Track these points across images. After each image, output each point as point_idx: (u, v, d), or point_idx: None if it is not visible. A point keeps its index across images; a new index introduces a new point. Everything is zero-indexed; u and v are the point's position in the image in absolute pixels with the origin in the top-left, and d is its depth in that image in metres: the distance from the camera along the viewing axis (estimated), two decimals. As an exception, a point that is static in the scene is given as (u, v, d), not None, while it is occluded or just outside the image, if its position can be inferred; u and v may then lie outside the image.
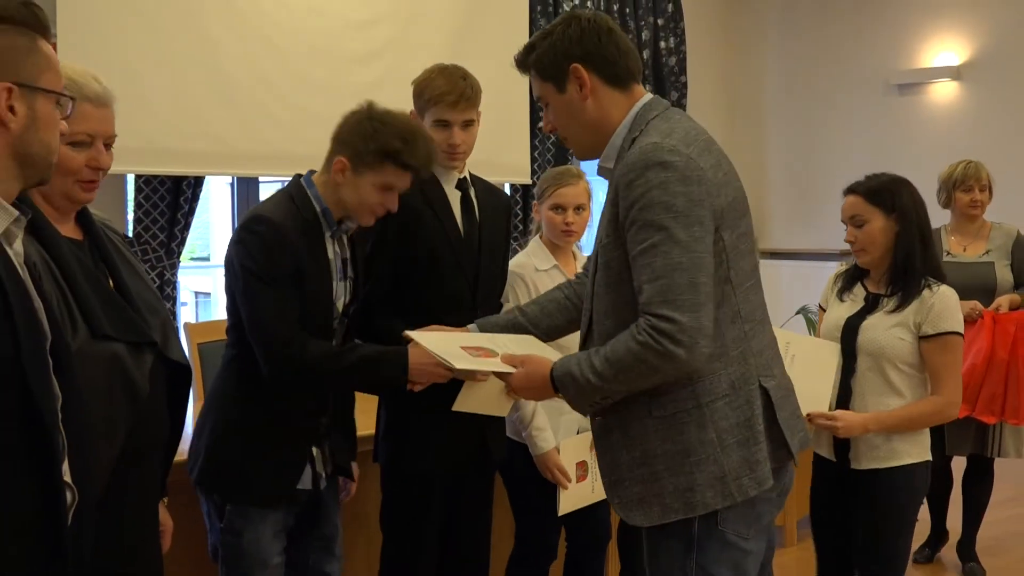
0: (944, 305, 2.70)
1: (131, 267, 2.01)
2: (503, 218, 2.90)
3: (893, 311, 2.75)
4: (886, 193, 2.78)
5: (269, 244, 2.34)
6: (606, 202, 2.00)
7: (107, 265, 1.94)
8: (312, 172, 2.48)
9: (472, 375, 2.36)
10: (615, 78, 2.02)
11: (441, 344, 2.25)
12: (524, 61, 2.09)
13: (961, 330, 2.74)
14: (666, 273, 1.81)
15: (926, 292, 2.72)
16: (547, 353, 2.22)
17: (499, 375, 2.17)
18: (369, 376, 2.44)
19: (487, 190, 2.85)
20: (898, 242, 2.74)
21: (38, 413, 1.46)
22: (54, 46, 1.61)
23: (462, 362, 2.17)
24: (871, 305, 2.82)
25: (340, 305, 2.49)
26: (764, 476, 1.92)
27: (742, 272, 1.95)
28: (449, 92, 2.63)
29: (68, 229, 1.93)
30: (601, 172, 2.09)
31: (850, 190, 2.87)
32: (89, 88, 1.90)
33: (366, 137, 2.36)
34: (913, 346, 2.73)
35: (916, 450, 2.77)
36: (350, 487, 2.72)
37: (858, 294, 2.89)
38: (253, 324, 2.35)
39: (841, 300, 2.93)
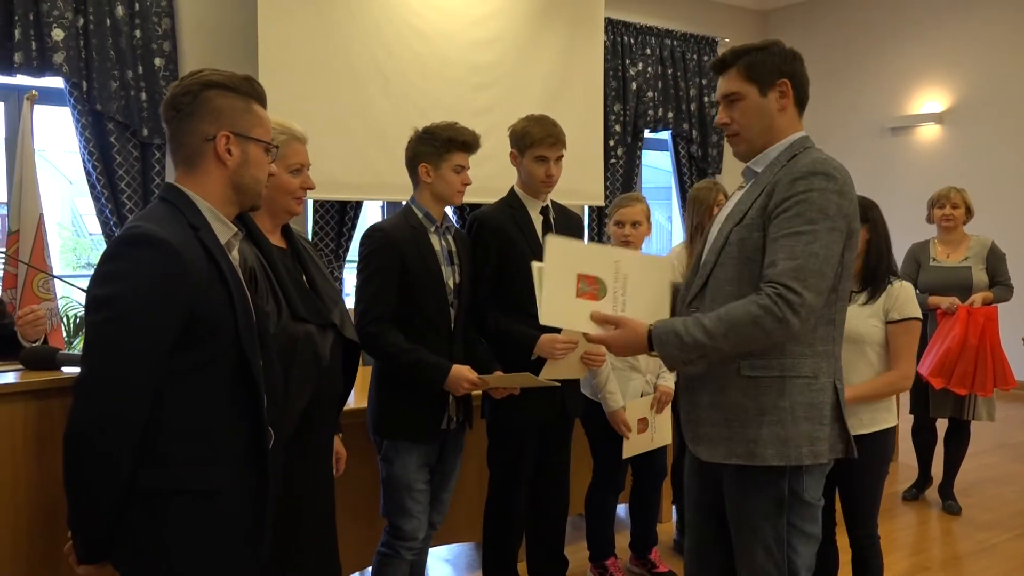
0: (907, 296, 2.53)
1: (319, 268, 2.05)
2: (576, 234, 2.85)
3: (866, 303, 2.55)
4: (860, 209, 2.60)
5: (378, 245, 2.39)
6: (748, 195, 1.83)
7: (302, 267, 1.98)
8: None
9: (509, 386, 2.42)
10: (800, 102, 1.89)
11: (566, 309, 1.91)
12: (728, 60, 1.86)
13: (919, 316, 2.55)
14: (804, 257, 1.67)
15: (891, 286, 2.56)
16: (660, 277, 1.95)
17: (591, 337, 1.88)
18: (416, 375, 2.37)
19: (563, 213, 2.81)
20: (869, 248, 2.55)
21: (250, 375, 1.50)
22: None
23: (578, 322, 1.89)
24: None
25: (451, 283, 2.47)
26: (820, 451, 1.75)
27: (844, 290, 1.80)
28: (549, 135, 2.62)
29: (276, 240, 1.99)
30: (746, 172, 1.91)
31: None
32: (298, 131, 2.03)
33: (429, 142, 2.45)
34: (882, 331, 2.54)
35: (890, 416, 2.54)
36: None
37: None
38: (356, 303, 2.38)
39: None
